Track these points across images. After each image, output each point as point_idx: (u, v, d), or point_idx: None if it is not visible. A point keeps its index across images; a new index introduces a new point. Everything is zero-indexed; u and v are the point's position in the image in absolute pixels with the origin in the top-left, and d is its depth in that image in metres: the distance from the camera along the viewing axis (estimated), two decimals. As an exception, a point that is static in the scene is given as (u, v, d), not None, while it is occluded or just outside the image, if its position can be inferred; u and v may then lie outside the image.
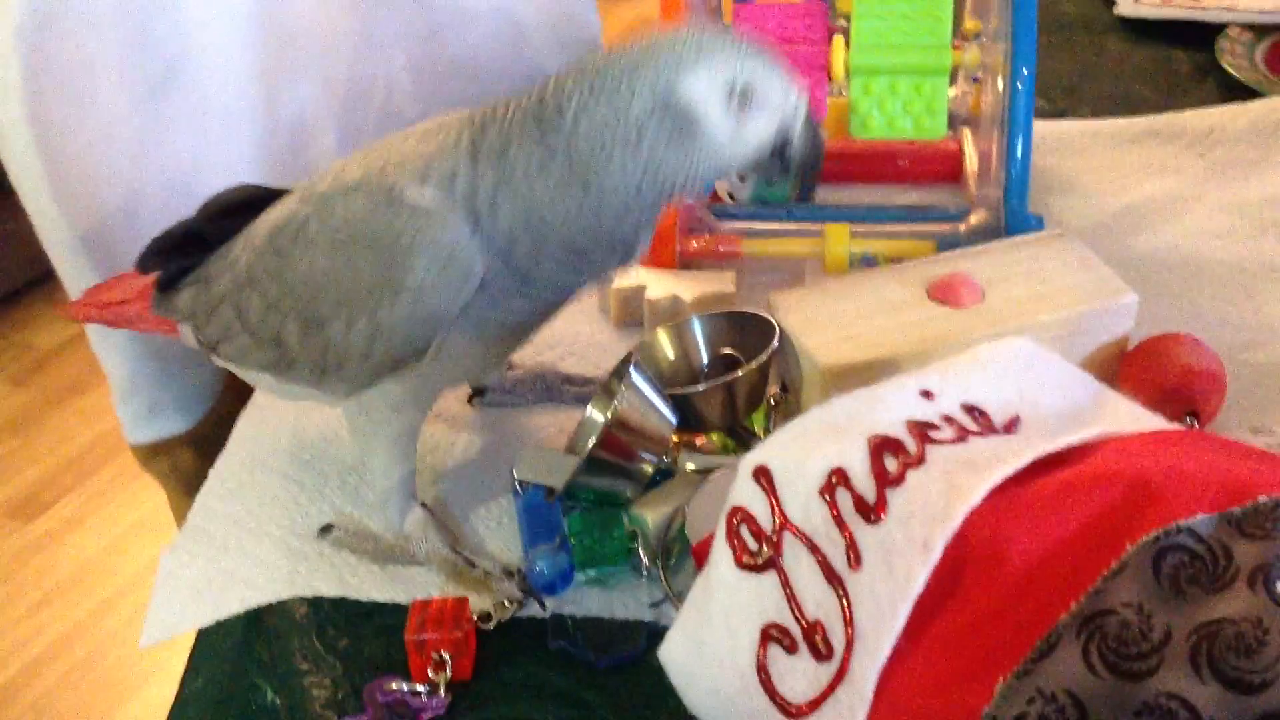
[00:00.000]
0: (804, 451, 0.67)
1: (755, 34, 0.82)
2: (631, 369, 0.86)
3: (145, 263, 0.97)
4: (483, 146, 0.80)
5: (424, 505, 0.93)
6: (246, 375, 0.97)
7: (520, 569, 0.88)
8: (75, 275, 1.14)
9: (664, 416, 0.87)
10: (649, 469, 0.87)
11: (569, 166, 0.78)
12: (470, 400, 1.05)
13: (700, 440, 0.94)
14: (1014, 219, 1.09)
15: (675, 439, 0.90)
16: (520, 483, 0.91)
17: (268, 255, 0.87)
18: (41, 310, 3.17)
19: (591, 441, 0.84)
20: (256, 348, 0.90)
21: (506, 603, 0.85)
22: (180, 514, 1.31)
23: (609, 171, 0.77)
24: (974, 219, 1.13)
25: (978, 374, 0.73)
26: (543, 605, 0.86)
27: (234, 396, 1.15)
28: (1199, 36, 1.56)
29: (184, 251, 0.96)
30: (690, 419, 0.90)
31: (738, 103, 0.78)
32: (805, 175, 0.85)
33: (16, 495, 2.67)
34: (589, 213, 0.79)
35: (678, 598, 0.81)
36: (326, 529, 0.94)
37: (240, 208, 0.93)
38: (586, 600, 0.85)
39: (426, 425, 0.96)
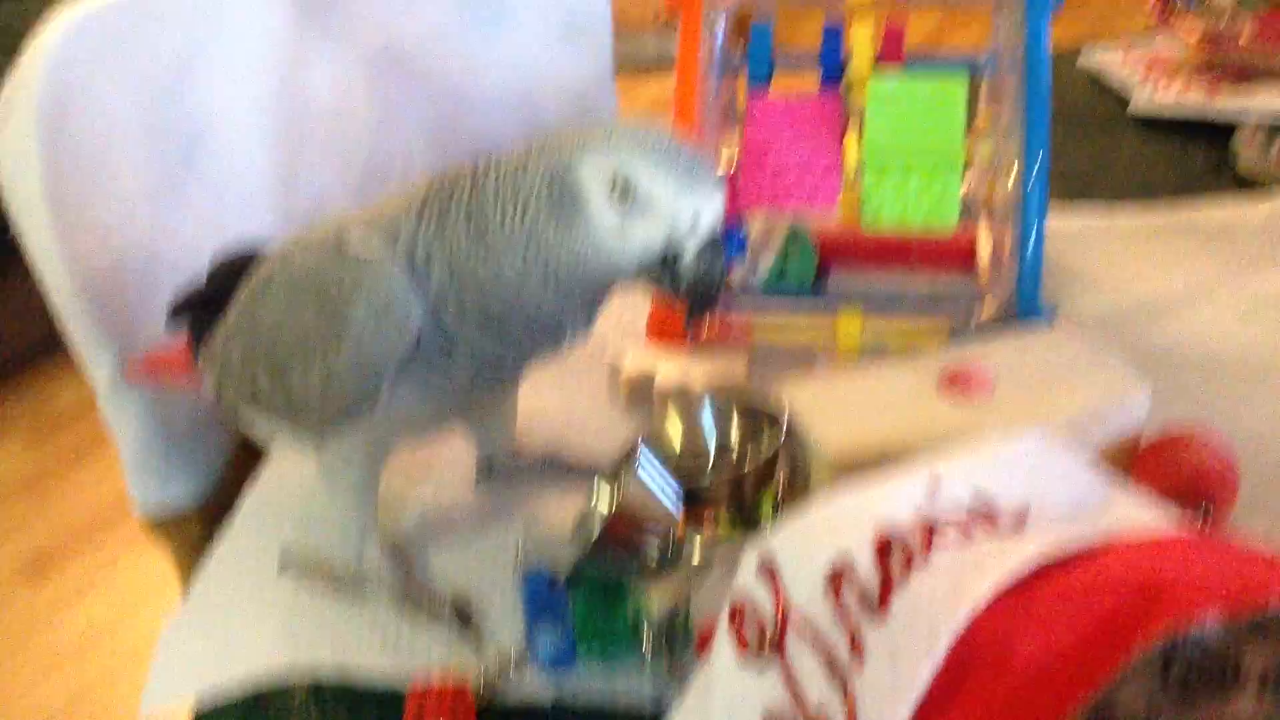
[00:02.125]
0: (809, 544, 0.67)
1: (690, 144, 0.81)
2: (638, 455, 0.86)
3: (173, 320, 1.03)
4: (428, 205, 0.85)
5: (383, 540, 0.97)
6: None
7: (472, 613, 0.91)
8: (90, 351, 1.15)
9: (670, 503, 0.87)
10: (654, 554, 0.87)
11: (477, 227, 0.82)
12: (477, 478, 1.05)
13: (706, 523, 0.93)
14: (1026, 310, 1.09)
15: (681, 524, 0.90)
16: (524, 564, 0.91)
17: (244, 308, 0.93)
18: (58, 371, 3.18)
19: (597, 526, 0.84)
20: (240, 396, 0.95)
21: (498, 668, 0.86)
22: (187, 583, 1.31)
23: (500, 234, 0.81)
24: (986, 309, 1.13)
25: (986, 469, 0.73)
26: (478, 645, 0.88)
27: (242, 469, 1.15)
28: (1215, 132, 1.58)
29: (209, 308, 1.00)
30: (697, 504, 0.90)
31: (619, 197, 0.79)
32: (692, 300, 0.83)
33: (27, 556, 2.67)
34: (490, 277, 0.82)
35: (680, 684, 0.80)
36: (285, 562, 0.98)
37: (245, 266, 0.98)
38: (589, 683, 0.85)
39: (429, 494, 1.03)
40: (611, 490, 0.93)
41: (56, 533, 2.73)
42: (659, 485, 0.87)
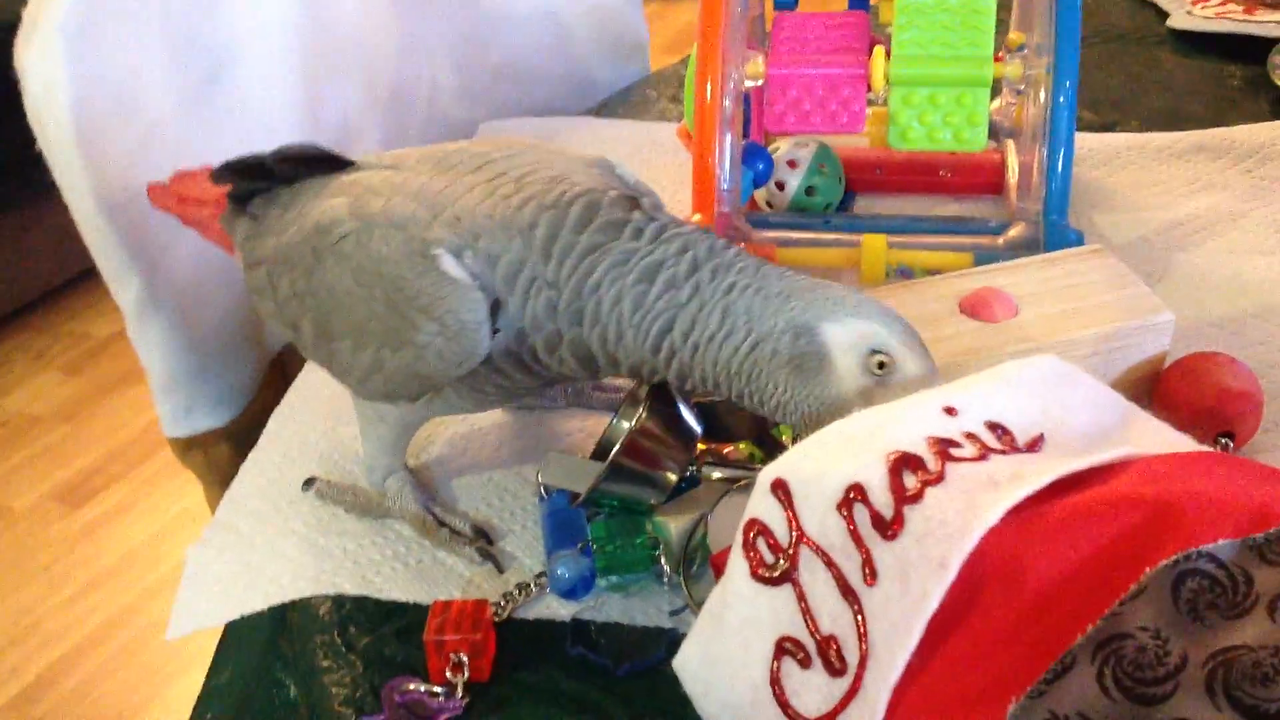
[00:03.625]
0: (823, 466, 0.66)
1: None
2: (659, 377, 0.86)
3: (221, 176, 0.97)
4: (558, 247, 0.80)
5: (406, 466, 0.96)
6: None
7: (493, 539, 0.92)
8: (115, 274, 1.15)
9: (690, 426, 0.87)
10: (674, 477, 0.87)
11: (685, 324, 0.79)
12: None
13: (727, 449, 0.93)
14: (1053, 233, 1.08)
15: (701, 448, 0.90)
16: (545, 487, 0.91)
17: (306, 249, 0.87)
18: (96, 300, 3.21)
19: (617, 449, 0.84)
20: (278, 321, 0.93)
21: (517, 592, 0.86)
22: (216, 508, 1.33)
23: (716, 351, 0.78)
24: (1013, 232, 1.12)
25: (1003, 391, 0.72)
26: (499, 568, 0.89)
27: (271, 393, 1.16)
28: (1252, 51, 1.54)
29: (260, 176, 0.96)
30: (717, 428, 0.90)
31: (876, 368, 0.77)
32: None
33: (65, 482, 2.71)
34: (662, 360, 0.80)
35: (698, 606, 0.81)
36: (310, 481, 0.98)
37: (313, 161, 0.94)
38: (607, 606, 0.85)
39: (452, 423, 1.00)
40: (634, 409, 0.93)
41: (94, 459, 2.78)
42: (680, 407, 0.87)
